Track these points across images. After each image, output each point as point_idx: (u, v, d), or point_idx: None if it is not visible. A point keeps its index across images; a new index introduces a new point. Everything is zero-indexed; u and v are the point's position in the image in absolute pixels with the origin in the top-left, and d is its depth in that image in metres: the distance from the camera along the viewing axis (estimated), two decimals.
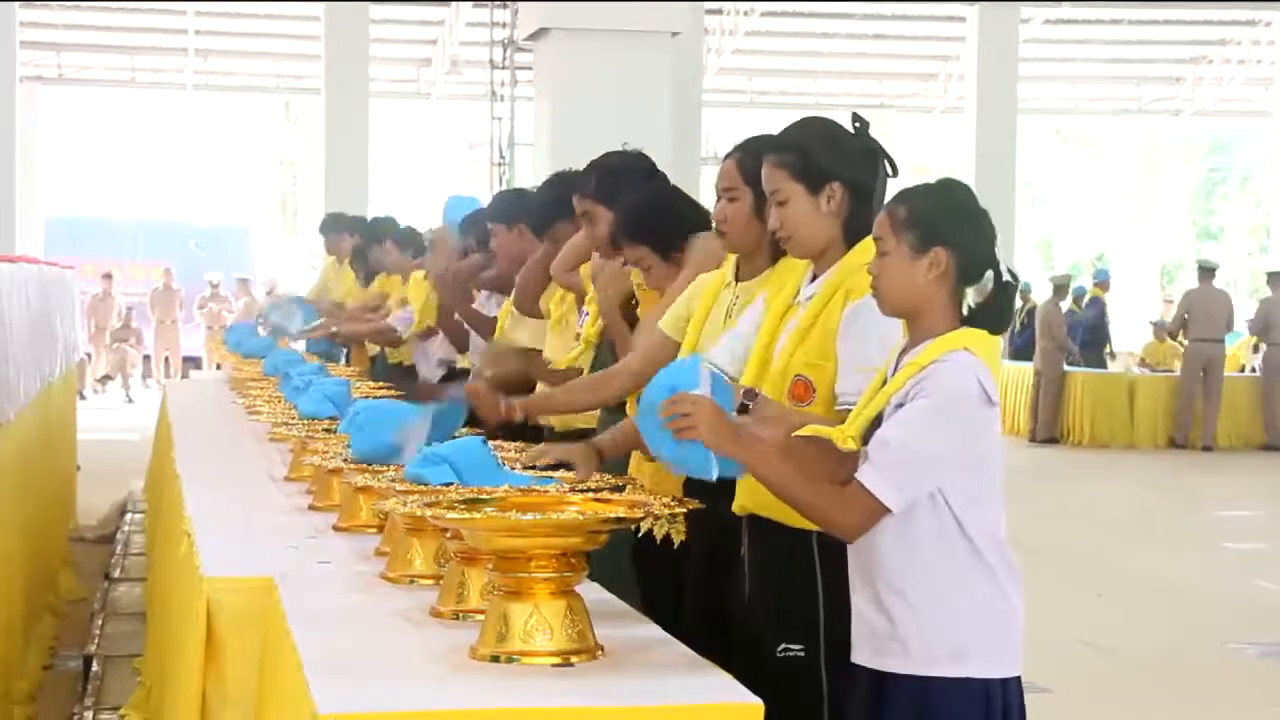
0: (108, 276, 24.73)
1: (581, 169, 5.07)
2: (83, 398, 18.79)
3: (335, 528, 3.94)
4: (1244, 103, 29.91)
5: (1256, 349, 19.10)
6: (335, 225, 10.54)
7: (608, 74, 15.41)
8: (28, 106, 24.64)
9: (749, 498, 3.43)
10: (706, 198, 4.37)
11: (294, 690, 2.61)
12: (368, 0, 21.46)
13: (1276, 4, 25.77)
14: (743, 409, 3.28)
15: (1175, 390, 17.86)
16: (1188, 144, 39.55)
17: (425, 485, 3.22)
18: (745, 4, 25.89)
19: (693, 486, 3.78)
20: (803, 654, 3.32)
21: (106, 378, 23.66)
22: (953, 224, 3.00)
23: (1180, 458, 16.96)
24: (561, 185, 5.38)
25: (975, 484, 2.93)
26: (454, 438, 3.62)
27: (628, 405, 4.31)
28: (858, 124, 3.43)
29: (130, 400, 22.11)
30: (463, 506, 2.77)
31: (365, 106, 21.20)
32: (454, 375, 7.17)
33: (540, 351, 5.37)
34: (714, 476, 2.91)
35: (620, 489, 3.10)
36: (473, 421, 5.20)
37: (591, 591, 2.97)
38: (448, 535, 3.02)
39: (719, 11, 25.73)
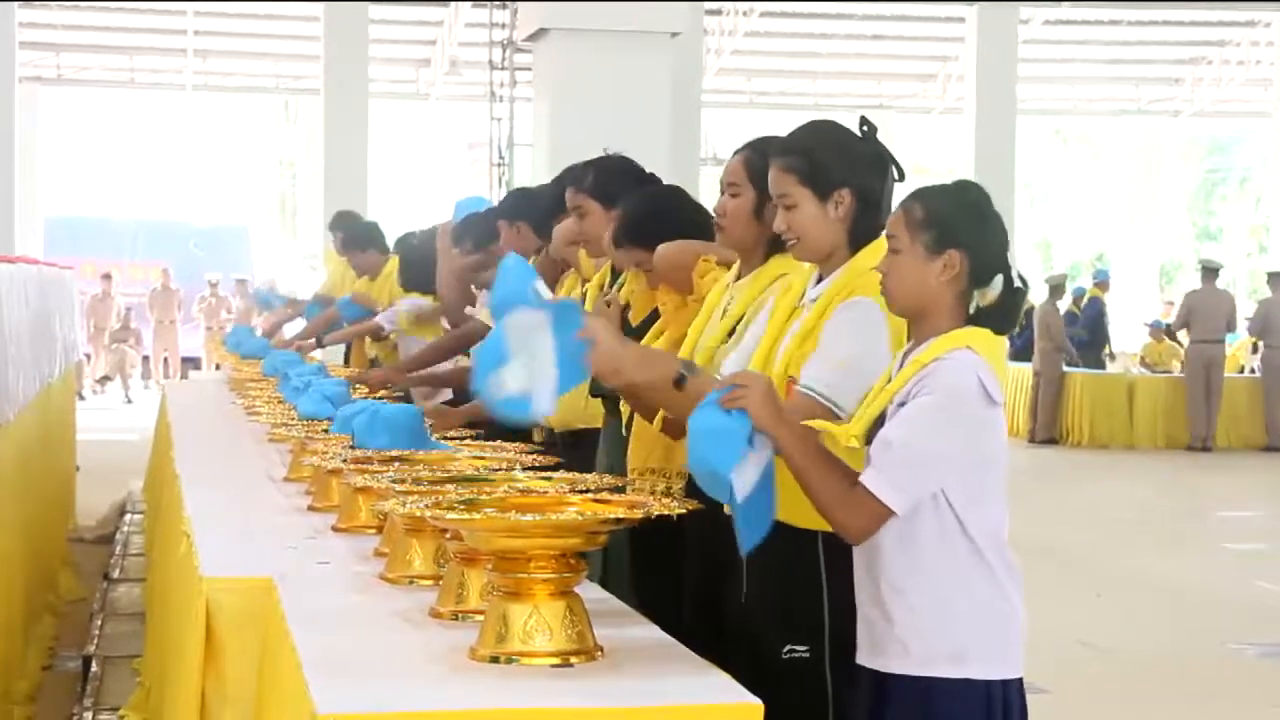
0: (107, 277, 24.74)
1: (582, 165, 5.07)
2: (82, 398, 18.79)
3: (334, 528, 3.94)
4: (1243, 103, 29.91)
5: (1256, 350, 19.11)
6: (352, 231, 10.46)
7: (607, 74, 15.41)
8: (27, 107, 24.64)
9: None
10: (706, 198, 4.36)
11: (293, 691, 2.61)
12: (367, 0, 21.45)
13: (1276, 4, 25.76)
14: (679, 380, 3.21)
15: (1175, 392, 17.86)
16: (1187, 144, 39.55)
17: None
18: (744, 4, 25.89)
19: (692, 486, 3.79)
20: (808, 655, 3.31)
21: (106, 378, 23.66)
22: (970, 227, 2.99)
23: (1180, 458, 16.96)
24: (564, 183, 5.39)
25: (977, 484, 2.93)
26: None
27: (623, 406, 4.31)
28: (865, 128, 3.43)
29: (129, 401, 22.11)
30: (462, 507, 2.77)
31: (364, 107, 21.20)
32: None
33: None
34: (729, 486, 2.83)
35: (620, 490, 3.09)
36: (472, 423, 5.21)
37: (591, 592, 2.97)
38: (447, 536, 3.02)
39: (718, 12, 25.73)
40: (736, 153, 3.86)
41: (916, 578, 2.93)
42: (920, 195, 3.03)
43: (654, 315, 4.35)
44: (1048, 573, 9.45)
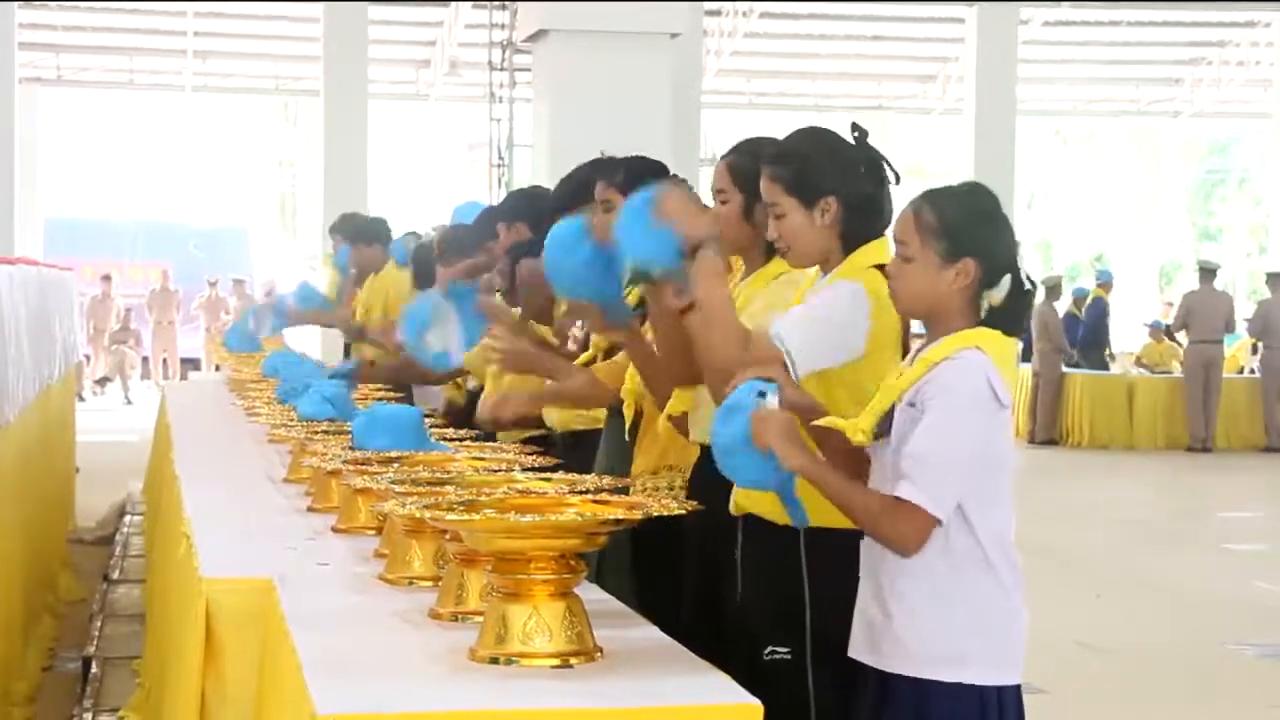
0: (106, 278, 24.74)
1: (595, 165, 5.07)
2: (82, 399, 18.78)
3: (334, 529, 3.95)
4: (1243, 104, 29.91)
5: (1255, 350, 19.10)
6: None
7: (606, 75, 15.41)
8: (27, 108, 24.62)
9: (745, 498, 3.44)
10: (706, 198, 4.36)
11: (293, 691, 2.61)
12: (366, 1, 21.45)
13: (1275, 5, 25.75)
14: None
15: (1175, 393, 17.86)
16: (1187, 145, 39.55)
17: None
18: (744, 5, 25.88)
19: (693, 490, 3.80)
20: (789, 656, 3.34)
21: (105, 379, 23.65)
22: (983, 234, 3.00)
23: (1179, 459, 16.97)
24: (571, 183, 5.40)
25: (988, 486, 2.94)
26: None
27: (626, 411, 4.31)
28: (857, 133, 3.44)
29: (129, 402, 22.11)
30: (462, 508, 2.77)
31: (364, 108, 21.20)
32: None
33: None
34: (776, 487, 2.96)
35: (620, 491, 3.10)
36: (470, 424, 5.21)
37: (590, 593, 2.97)
38: (447, 537, 3.02)
39: (718, 13, 25.73)
40: (721, 158, 3.88)
41: (919, 579, 2.93)
42: (932, 200, 3.01)
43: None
44: (1047, 573, 9.46)
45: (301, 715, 2.46)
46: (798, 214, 3.40)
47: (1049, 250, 41.92)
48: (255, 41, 26.48)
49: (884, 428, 2.96)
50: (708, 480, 3.64)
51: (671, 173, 4.88)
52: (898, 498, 2.88)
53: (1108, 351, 20.00)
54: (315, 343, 18.03)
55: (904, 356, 3.17)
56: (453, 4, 24.48)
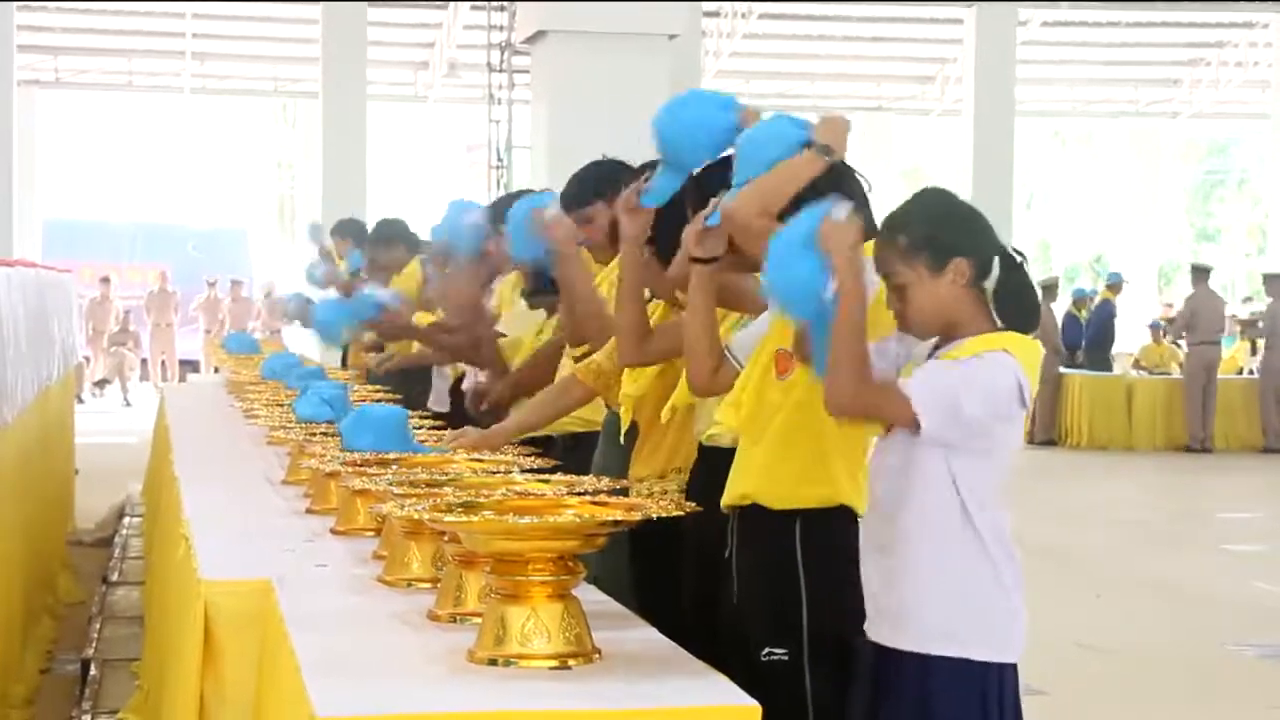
0: (105, 280, 24.73)
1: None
2: (81, 401, 18.78)
3: (333, 531, 3.95)
4: (1241, 105, 29.93)
5: (1254, 351, 19.10)
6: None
7: (605, 76, 15.40)
8: (25, 110, 24.62)
9: (741, 483, 3.45)
10: None
11: (292, 693, 2.61)
12: (365, 2, 21.46)
13: (1274, 6, 25.76)
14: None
15: (1174, 394, 17.85)
16: (1185, 146, 39.57)
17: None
18: (743, 6, 25.89)
19: (690, 491, 3.80)
20: (786, 657, 3.35)
21: (104, 381, 23.65)
22: (956, 231, 3.05)
23: (1179, 460, 16.97)
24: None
25: (989, 473, 2.99)
26: None
27: (624, 416, 4.31)
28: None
29: (128, 404, 22.11)
30: (460, 510, 2.78)
31: (363, 109, 21.20)
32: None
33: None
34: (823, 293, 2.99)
35: (619, 492, 3.10)
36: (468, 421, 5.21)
37: (589, 594, 2.98)
38: (445, 538, 3.02)
39: (716, 14, 25.73)
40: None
41: (922, 558, 2.98)
42: (895, 226, 3.06)
43: None
44: (1046, 574, 9.45)
45: (300, 717, 2.46)
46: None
47: (1048, 251, 41.93)
48: (253, 43, 26.49)
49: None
50: (706, 481, 3.65)
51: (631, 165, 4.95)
52: (898, 386, 2.95)
53: (1112, 353, 20.00)
54: (314, 344, 18.01)
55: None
56: (451, 5, 24.48)
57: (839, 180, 3.39)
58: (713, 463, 3.68)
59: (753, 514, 3.45)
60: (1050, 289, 19.06)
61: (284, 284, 26.02)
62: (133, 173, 38.87)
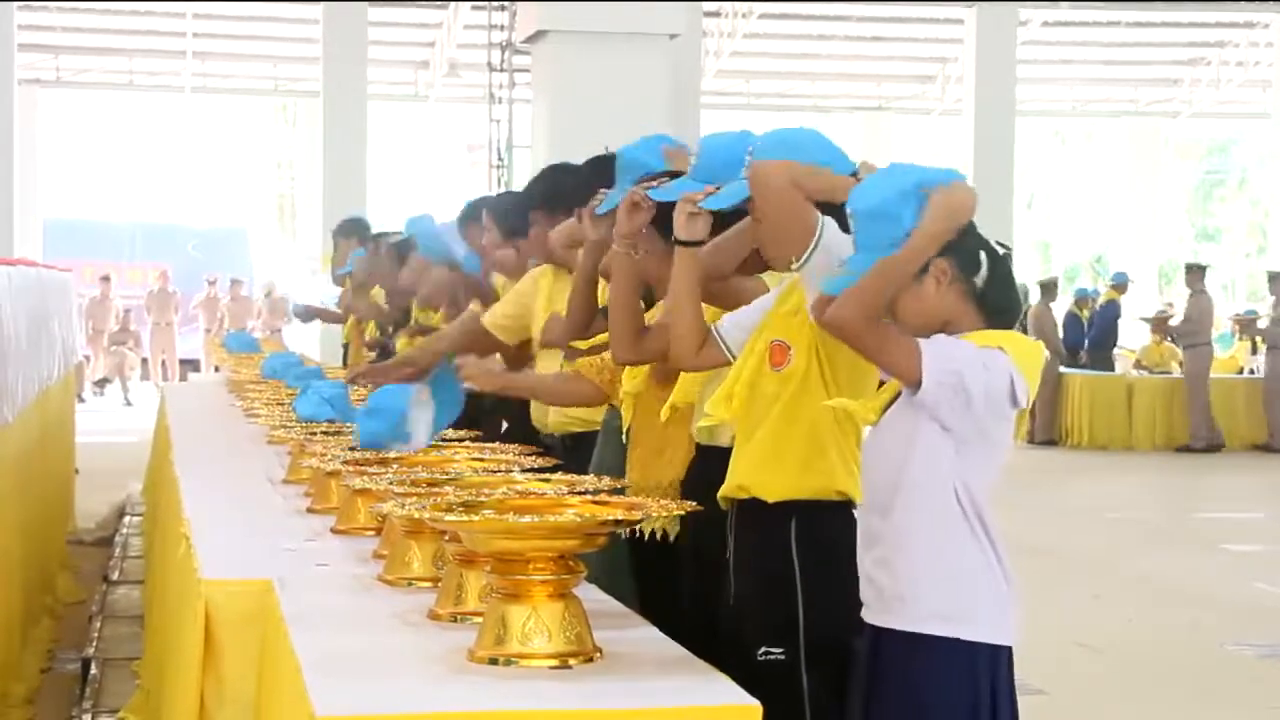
0: (105, 279, 24.73)
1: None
2: (81, 400, 18.78)
3: (333, 530, 3.95)
4: (1242, 104, 29.93)
5: (1254, 350, 19.08)
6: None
7: (605, 76, 15.40)
8: (26, 109, 24.63)
9: (738, 475, 3.46)
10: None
11: (292, 692, 2.61)
12: (366, 2, 21.46)
13: (1274, 6, 25.76)
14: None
15: (1174, 393, 17.82)
16: (1186, 145, 39.56)
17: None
18: (743, 6, 25.89)
19: (688, 490, 3.80)
20: (783, 657, 3.35)
21: (105, 381, 23.64)
22: None
23: (1178, 460, 16.96)
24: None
25: (982, 463, 3.00)
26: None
27: (625, 413, 4.31)
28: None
29: (129, 403, 22.11)
30: (461, 509, 2.78)
31: (363, 109, 21.20)
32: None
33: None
34: None
35: (618, 491, 3.10)
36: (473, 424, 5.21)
37: (589, 593, 2.98)
38: (446, 538, 3.02)
39: (717, 14, 25.73)
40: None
41: (917, 541, 2.99)
42: None
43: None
44: (1046, 573, 9.45)
45: (300, 716, 2.46)
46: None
47: (1048, 251, 41.93)
48: (254, 43, 26.49)
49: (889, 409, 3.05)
50: (704, 480, 3.65)
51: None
52: (909, 337, 2.95)
53: (1116, 351, 19.97)
54: (314, 343, 18.03)
55: None
56: (452, 5, 24.48)
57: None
58: (711, 462, 3.69)
59: (749, 509, 3.46)
60: (1049, 288, 19.05)
61: (284, 283, 26.07)
62: (133, 172, 38.86)
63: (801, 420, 3.39)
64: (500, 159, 20.06)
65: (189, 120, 36.82)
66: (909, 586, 2.99)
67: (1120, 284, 20.12)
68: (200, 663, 3.35)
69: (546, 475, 3.37)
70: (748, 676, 2.71)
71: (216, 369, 13.86)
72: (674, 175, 3.99)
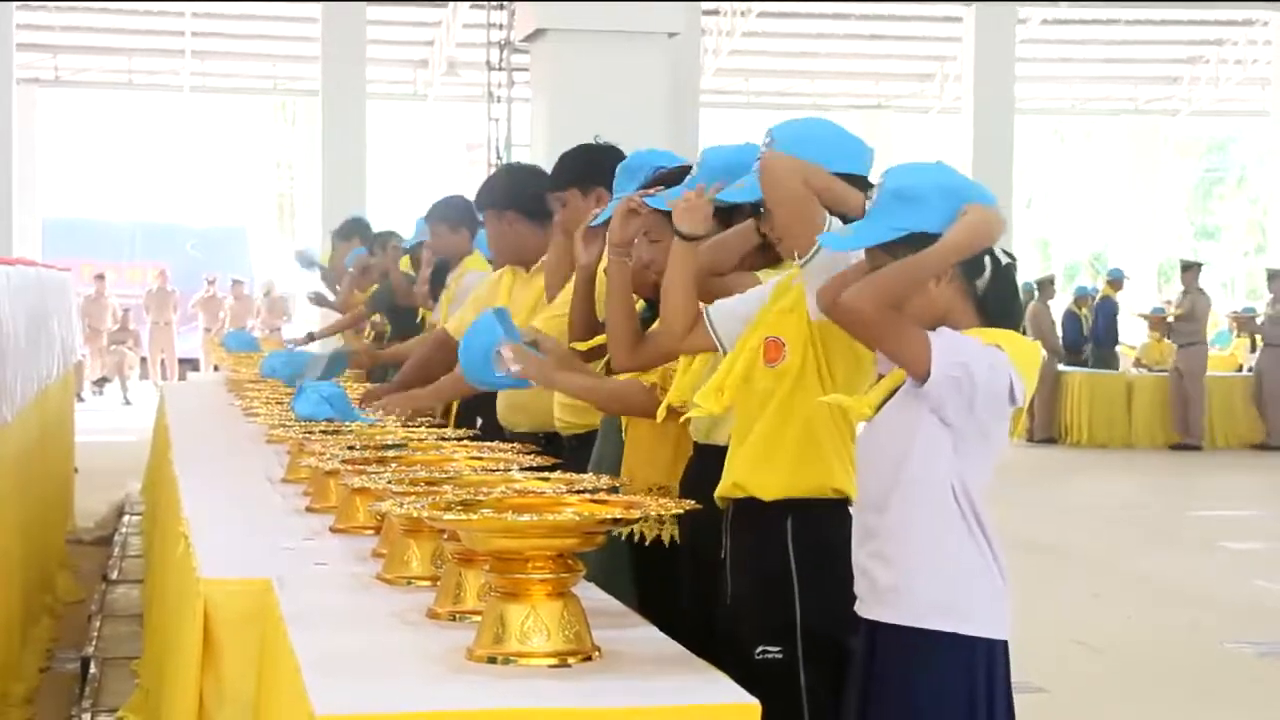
0: (100, 277, 24.72)
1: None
2: (81, 399, 18.78)
3: (332, 529, 3.94)
4: (1241, 102, 29.92)
5: (1254, 348, 19.08)
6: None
7: (604, 75, 15.39)
8: (25, 109, 24.61)
9: (733, 474, 3.46)
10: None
11: (291, 691, 2.61)
12: (364, 1, 21.45)
13: (1273, 4, 25.76)
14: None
15: (1177, 391, 17.82)
16: (1185, 143, 39.56)
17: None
18: (742, 4, 25.88)
19: (685, 489, 3.80)
20: (780, 655, 3.35)
21: (104, 380, 23.64)
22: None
23: (1178, 458, 16.97)
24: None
25: (980, 460, 3.00)
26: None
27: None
28: None
29: (128, 402, 22.11)
30: (459, 508, 2.77)
31: (362, 108, 21.20)
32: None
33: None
34: None
35: (617, 490, 3.10)
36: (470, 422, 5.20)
37: (588, 592, 2.98)
38: (444, 536, 3.02)
39: (716, 12, 25.72)
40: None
41: (914, 535, 2.99)
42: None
43: None
44: (1045, 572, 9.46)
45: (300, 715, 2.46)
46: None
47: (1047, 249, 41.93)
48: (253, 42, 26.48)
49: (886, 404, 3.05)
50: (702, 479, 3.65)
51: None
52: (920, 329, 2.95)
53: (1118, 348, 19.97)
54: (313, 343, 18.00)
55: None
56: (450, 4, 24.47)
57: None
58: (709, 461, 3.68)
59: (745, 508, 3.46)
60: (1046, 286, 19.05)
61: (283, 283, 26.06)
62: (132, 171, 38.86)
63: (797, 418, 3.39)
64: (499, 158, 20.04)
65: (188, 119, 36.83)
66: (905, 580, 2.99)
67: (1115, 280, 20.13)
68: (199, 662, 3.35)
69: (545, 474, 3.36)
70: (745, 675, 2.72)
71: (216, 368, 13.86)
72: (670, 182, 3.99)
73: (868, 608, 3.06)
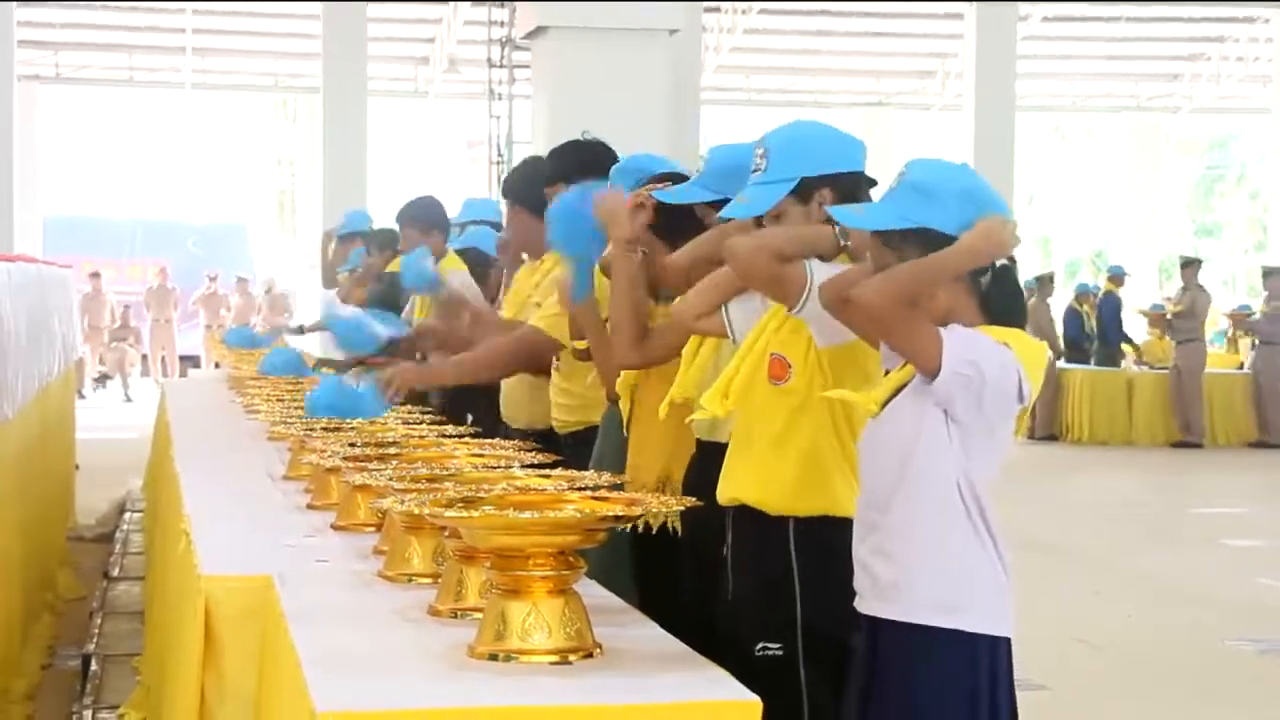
0: (95, 275, 24.72)
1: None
2: (82, 397, 18.78)
3: (333, 526, 3.94)
4: (1242, 100, 29.92)
5: (1254, 346, 19.08)
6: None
7: (605, 72, 15.38)
8: (26, 106, 24.60)
9: (735, 486, 3.46)
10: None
11: (292, 688, 2.61)
12: None
13: (1274, 2, 25.75)
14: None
15: (1177, 389, 17.82)
16: (1186, 141, 39.56)
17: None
18: (743, 2, 25.88)
19: (688, 486, 3.80)
20: (781, 652, 3.35)
21: (105, 377, 23.63)
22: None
23: (1179, 455, 16.96)
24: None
25: (985, 457, 3.00)
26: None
27: (622, 405, 4.30)
28: None
29: (129, 399, 22.11)
30: (461, 505, 2.78)
31: (363, 105, 21.19)
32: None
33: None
34: None
35: (618, 487, 3.10)
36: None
37: (589, 589, 2.97)
38: (446, 533, 3.02)
39: (717, 9, 25.71)
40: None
41: (918, 532, 2.99)
42: (880, 233, 3.07)
43: None
44: (1046, 569, 9.46)
45: (301, 712, 2.46)
46: (795, 212, 3.47)
47: (1048, 246, 41.93)
48: (254, 39, 26.48)
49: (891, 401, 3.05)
50: (704, 476, 3.65)
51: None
52: (932, 325, 2.95)
53: (1122, 346, 19.96)
54: (314, 343, 18.00)
55: None
56: (452, 1, 24.47)
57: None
58: (712, 458, 3.68)
59: (748, 514, 3.46)
60: (1046, 283, 19.05)
61: (284, 280, 26.06)
62: (133, 168, 38.86)
63: (802, 441, 3.38)
64: (500, 155, 20.05)
65: (189, 116, 36.82)
66: (908, 576, 2.99)
67: (1116, 276, 20.13)
68: (200, 659, 3.35)
69: (546, 471, 3.36)
70: (746, 672, 2.72)
71: (217, 365, 13.85)
72: (677, 179, 3.99)
73: (868, 603, 3.06)
